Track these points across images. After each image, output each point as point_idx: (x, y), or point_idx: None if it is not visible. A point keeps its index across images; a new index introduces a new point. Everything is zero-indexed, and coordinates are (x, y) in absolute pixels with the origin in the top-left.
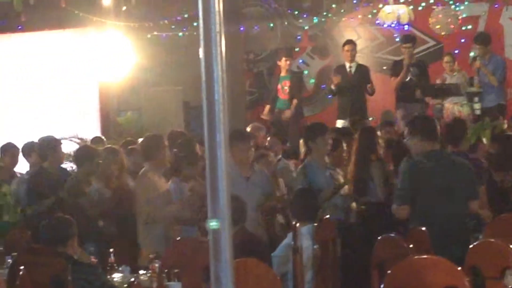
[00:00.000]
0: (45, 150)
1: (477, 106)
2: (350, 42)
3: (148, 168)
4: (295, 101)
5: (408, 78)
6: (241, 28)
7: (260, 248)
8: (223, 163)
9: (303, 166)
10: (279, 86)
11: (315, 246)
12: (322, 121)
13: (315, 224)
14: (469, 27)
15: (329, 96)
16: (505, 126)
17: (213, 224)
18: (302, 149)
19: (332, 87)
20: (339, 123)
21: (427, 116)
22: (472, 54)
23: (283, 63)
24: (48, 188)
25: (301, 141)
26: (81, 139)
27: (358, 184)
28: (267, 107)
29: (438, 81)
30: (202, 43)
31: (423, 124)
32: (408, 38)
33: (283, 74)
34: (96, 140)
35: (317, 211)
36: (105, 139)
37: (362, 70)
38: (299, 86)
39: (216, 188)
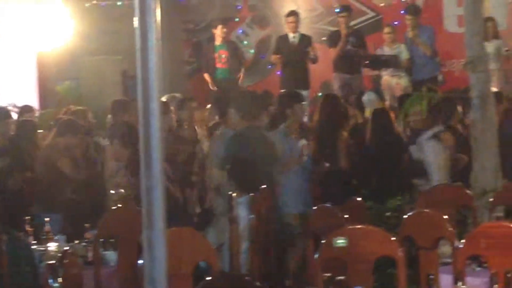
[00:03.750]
0: None
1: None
2: (293, 13)
3: None
4: (242, 71)
5: (347, 48)
6: None
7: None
8: (157, 131)
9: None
10: (216, 55)
11: (251, 216)
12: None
13: (252, 194)
14: None
15: (269, 66)
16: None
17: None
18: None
19: (273, 61)
20: None
21: None
22: None
23: (219, 31)
24: None
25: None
26: (19, 107)
27: (321, 151)
28: (206, 75)
29: (376, 52)
30: (137, 12)
31: None
32: (344, 8)
33: (218, 42)
34: (26, 109)
35: (255, 182)
36: (37, 108)
37: (305, 40)
38: (235, 55)
39: (150, 156)
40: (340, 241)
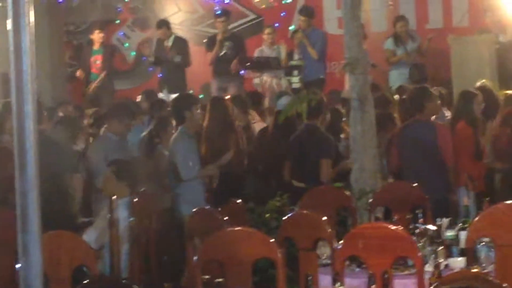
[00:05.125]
0: None
1: (295, 79)
2: (163, 23)
3: None
4: (103, 74)
5: (223, 53)
6: (60, 0)
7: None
8: (32, 135)
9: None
10: (92, 60)
11: (131, 219)
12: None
13: (132, 196)
14: (289, 0)
15: (150, 69)
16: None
17: None
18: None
19: (150, 60)
20: (160, 96)
21: None
22: (292, 27)
23: (95, 36)
24: None
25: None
26: None
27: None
28: (79, 73)
29: (256, 54)
30: (10, 13)
31: None
32: (222, 12)
33: (96, 47)
34: None
35: (133, 184)
36: None
37: (180, 43)
38: (109, 59)
39: (25, 159)
40: None
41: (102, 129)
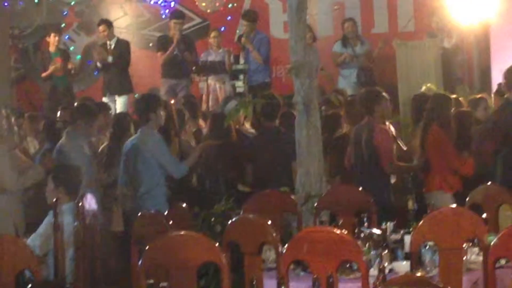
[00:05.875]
0: None
1: (239, 83)
2: (102, 22)
3: None
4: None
5: (174, 53)
6: (5, 4)
7: None
8: None
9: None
10: (52, 63)
11: (76, 223)
12: (88, 97)
13: (76, 201)
14: (235, 5)
15: (96, 73)
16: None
17: None
18: None
19: (98, 64)
20: (104, 99)
21: None
22: (238, 32)
23: (52, 38)
24: None
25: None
26: None
27: None
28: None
29: (202, 58)
30: None
31: None
32: (179, 14)
33: (53, 50)
34: None
35: (77, 188)
36: None
37: (122, 45)
38: (66, 63)
39: None
40: None
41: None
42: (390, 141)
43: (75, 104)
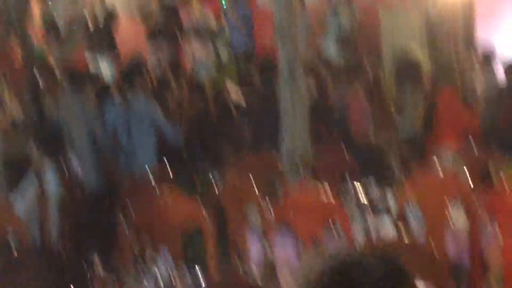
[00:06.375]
0: None
1: (222, 50)
2: None
3: None
4: None
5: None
6: None
7: None
8: None
9: None
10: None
11: (60, 188)
12: None
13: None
14: None
15: None
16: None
17: None
18: None
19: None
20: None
21: None
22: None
23: None
24: None
25: None
26: None
27: None
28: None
29: (185, 23)
30: None
31: None
32: None
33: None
34: None
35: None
36: None
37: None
38: None
39: None
40: None
41: None
42: None
43: None
